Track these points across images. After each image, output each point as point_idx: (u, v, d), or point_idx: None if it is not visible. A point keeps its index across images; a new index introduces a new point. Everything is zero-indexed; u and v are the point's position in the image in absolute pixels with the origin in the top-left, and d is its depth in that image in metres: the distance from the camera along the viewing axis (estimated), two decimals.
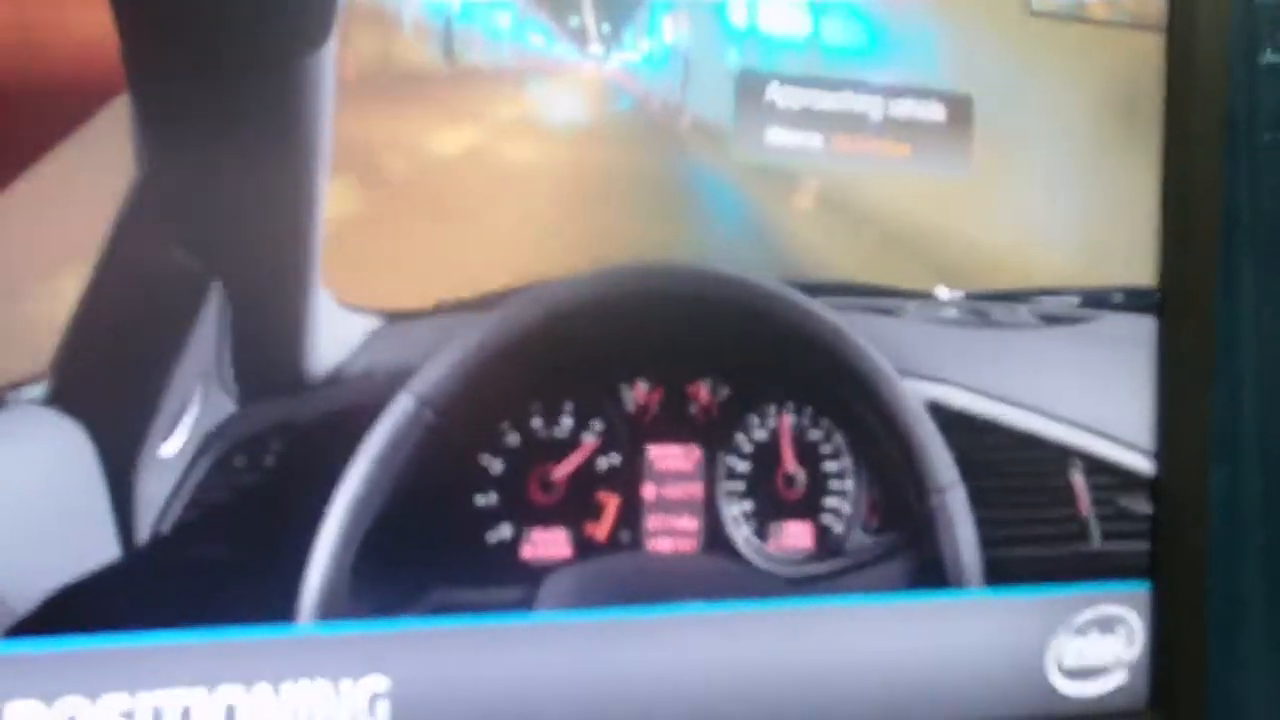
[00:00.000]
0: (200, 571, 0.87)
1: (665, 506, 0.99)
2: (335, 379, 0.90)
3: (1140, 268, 1.14)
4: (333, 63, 0.88)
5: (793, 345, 1.02)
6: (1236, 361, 1.35)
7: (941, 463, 1.04)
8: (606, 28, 0.96)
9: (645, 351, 0.99)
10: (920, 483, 1.04)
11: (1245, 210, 1.35)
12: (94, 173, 0.83)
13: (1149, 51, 1.14)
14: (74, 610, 0.83)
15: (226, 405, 0.87)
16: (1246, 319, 1.37)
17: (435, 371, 0.92)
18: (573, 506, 0.97)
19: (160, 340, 0.85)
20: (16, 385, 0.81)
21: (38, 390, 0.82)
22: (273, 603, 0.89)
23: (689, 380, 1.00)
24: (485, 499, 0.95)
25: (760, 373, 1.02)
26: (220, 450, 0.87)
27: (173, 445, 0.86)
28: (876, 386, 1.03)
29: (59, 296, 0.82)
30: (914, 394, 1.04)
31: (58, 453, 0.82)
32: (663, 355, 0.99)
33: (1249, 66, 1.36)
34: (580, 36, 0.95)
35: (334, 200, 0.89)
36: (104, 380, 0.84)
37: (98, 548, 0.84)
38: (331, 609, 0.89)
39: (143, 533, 0.85)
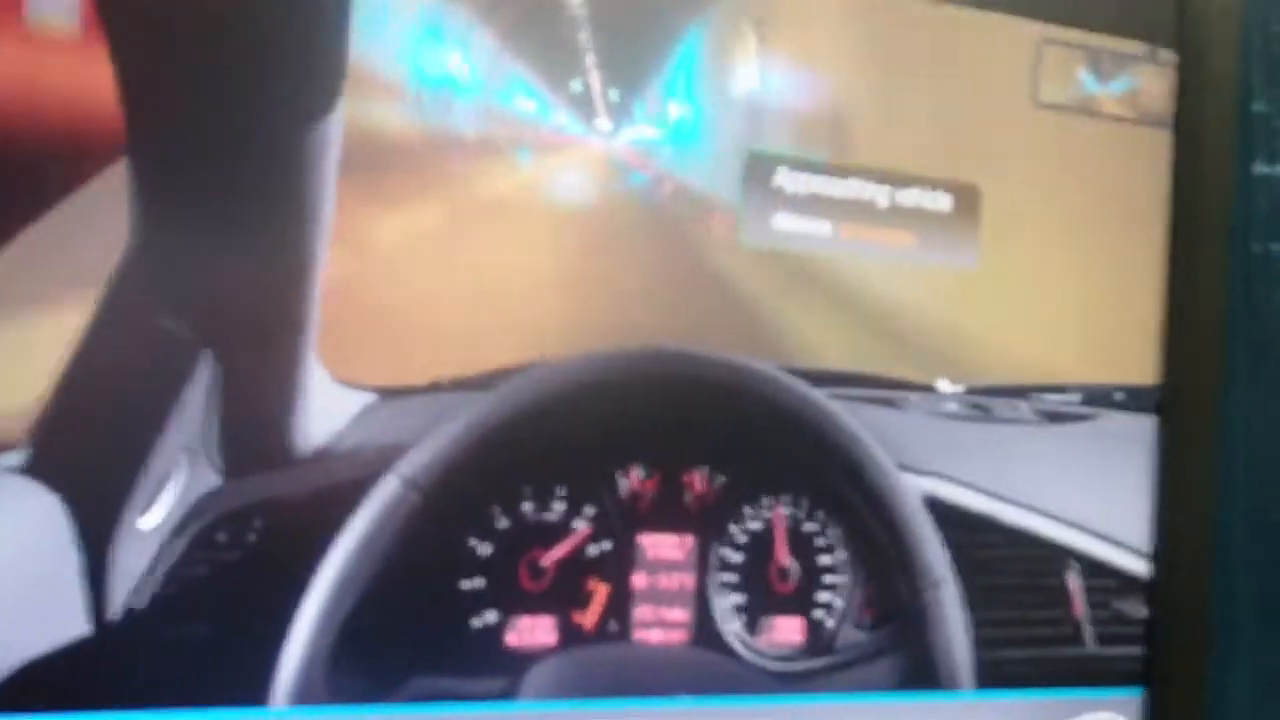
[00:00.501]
0: (175, 650, 0.84)
1: (656, 596, 0.97)
2: (325, 455, 0.87)
3: (1143, 366, 1.13)
4: (337, 134, 0.87)
5: (790, 434, 1.00)
6: (1229, 471, 1.34)
7: (935, 557, 1.02)
8: (615, 99, 0.94)
9: (641, 437, 0.97)
10: (913, 578, 1.02)
11: (1237, 319, 1.34)
12: (88, 237, 0.81)
13: (1156, 148, 1.13)
14: (42, 687, 0.80)
15: (211, 479, 0.84)
16: (1237, 428, 1.36)
17: (422, 455, 0.90)
18: (561, 593, 0.95)
19: (146, 410, 0.83)
20: None
21: (14, 458, 0.79)
22: (249, 684, 0.86)
23: (685, 468, 0.98)
24: (471, 583, 0.92)
25: (757, 462, 1.00)
26: (202, 525, 0.84)
27: (153, 518, 0.83)
28: (873, 479, 1.02)
29: (42, 362, 0.79)
30: (911, 488, 1.02)
31: (32, 523, 0.80)
32: (659, 441, 0.97)
33: (1243, 175, 1.35)
34: (587, 110, 0.94)
35: (330, 275, 0.87)
36: (84, 449, 0.81)
37: (69, 623, 0.81)
38: (309, 693, 0.86)
39: (117, 608, 0.82)
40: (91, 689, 0.82)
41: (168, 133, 0.82)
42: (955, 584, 1.04)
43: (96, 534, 0.81)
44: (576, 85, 0.94)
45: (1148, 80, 1.13)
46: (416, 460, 0.89)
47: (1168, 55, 1.13)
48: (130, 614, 0.83)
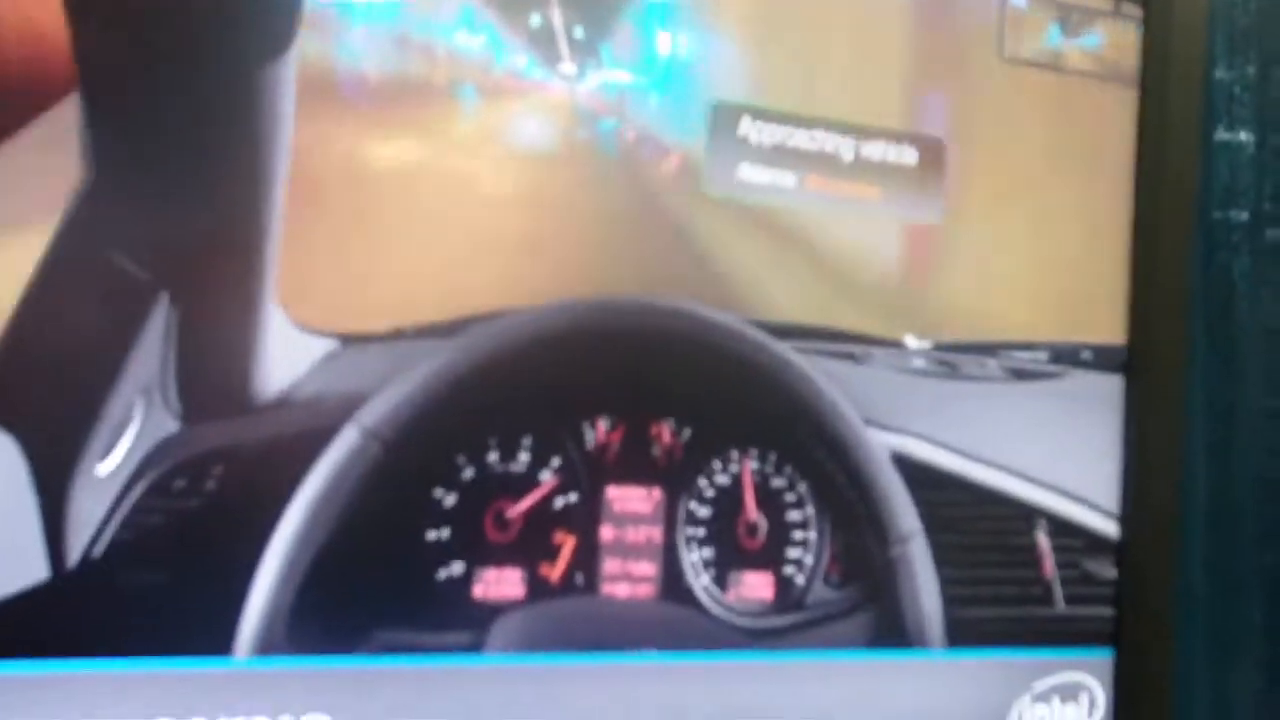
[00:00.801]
0: (134, 598, 0.82)
1: (623, 550, 0.96)
2: (284, 402, 0.86)
3: (1110, 324, 1.12)
4: (293, 72, 0.85)
5: (757, 388, 0.99)
6: (1192, 434, 1.34)
7: (904, 511, 1.01)
8: (580, 40, 0.93)
9: (608, 389, 0.96)
10: (882, 531, 1.01)
11: (1196, 285, 1.35)
12: (39, 175, 0.79)
13: (1122, 106, 1.13)
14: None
15: (169, 424, 0.83)
16: (1197, 393, 1.36)
17: (383, 405, 0.88)
18: (527, 546, 0.94)
19: (101, 352, 0.81)
20: None
21: None
22: (210, 634, 0.84)
23: (652, 420, 0.97)
24: (437, 534, 0.91)
25: (724, 415, 0.99)
26: (160, 471, 0.83)
27: (110, 463, 0.81)
28: (839, 434, 1.00)
29: None
30: (878, 443, 1.01)
31: None
32: (625, 393, 0.96)
33: (1204, 141, 1.35)
34: (551, 53, 0.93)
35: (289, 217, 0.85)
36: (39, 392, 0.79)
37: (26, 569, 0.79)
38: (272, 643, 0.85)
39: (75, 555, 0.81)
40: (50, 636, 0.81)
41: (120, 70, 0.81)
42: (924, 541, 1.02)
43: (53, 479, 0.80)
44: (539, 26, 0.93)
45: (1114, 36, 1.12)
46: (377, 410, 0.88)
47: (1133, 9, 1.12)
48: (88, 561, 0.81)
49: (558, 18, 0.93)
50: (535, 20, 0.92)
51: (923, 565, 1.02)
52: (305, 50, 0.86)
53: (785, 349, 0.99)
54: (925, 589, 1.02)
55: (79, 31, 0.79)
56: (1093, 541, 1.11)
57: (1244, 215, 1.41)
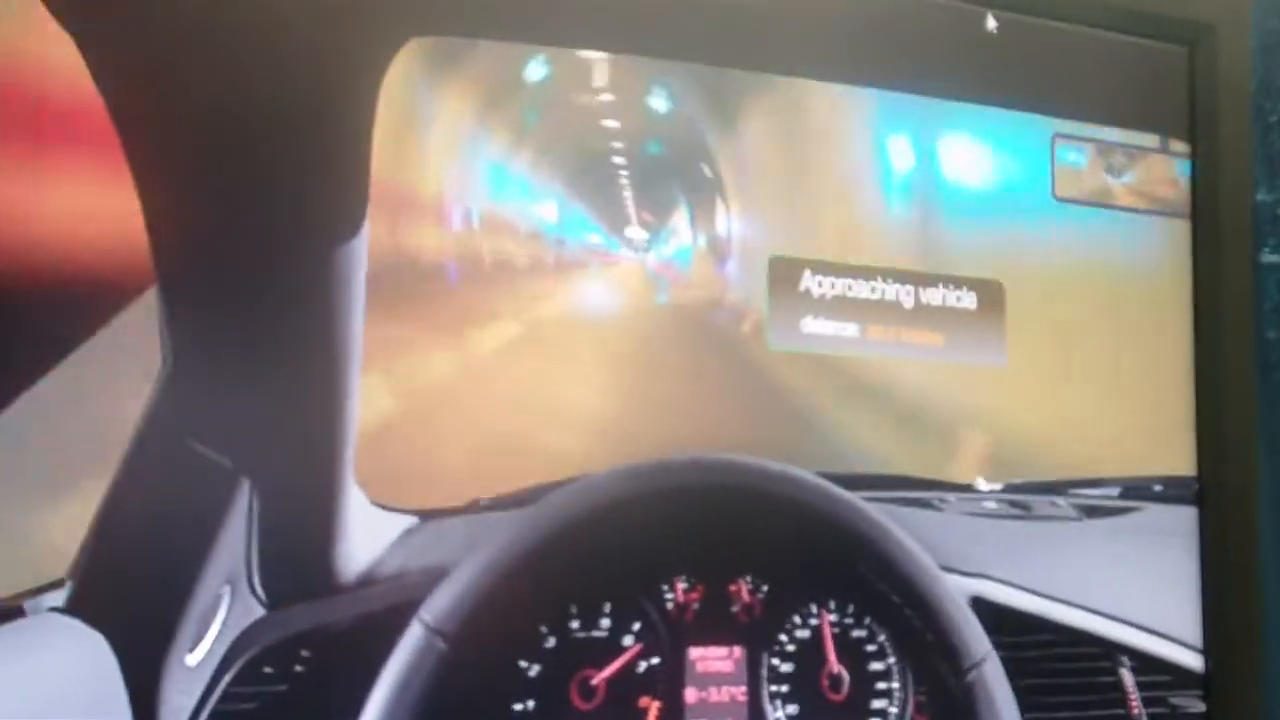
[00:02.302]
0: None
1: (708, 711, 0.95)
2: (368, 580, 0.86)
3: (1179, 456, 1.12)
4: (364, 256, 0.87)
5: (831, 539, 0.98)
6: (1269, 559, 1.33)
7: (974, 637, 1.00)
8: (647, 216, 0.95)
9: (683, 548, 0.96)
10: (956, 660, 0.99)
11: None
12: (120, 369, 0.80)
13: (1173, 238, 1.14)
14: None
15: (255, 609, 0.83)
16: (1267, 517, 1.35)
17: (443, 599, 0.88)
18: (613, 712, 0.93)
19: (187, 542, 0.81)
20: (37, 593, 0.77)
21: (58, 597, 0.77)
22: None
23: (729, 578, 0.97)
24: (523, 705, 0.90)
25: (801, 569, 0.99)
26: (248, 658, 0.83)
27: (198, 653, 0.81)
28: (917, 582, 1.00)
29: (82, 498, 0.78)
30: (956, 589, 1.01)
31: (79, 663, 0.78)
32: (702, 552, 0.96)
33: (1252, 263, 1.36)
34: (620, 226, 0.94)
35: (366, 397, 0.86)
36: (127, 586, 0.80)
37: None
38: None
39: None
40: None
41: (195, 260, 0.83)
42: (998, 662, 1.01)
43: (143, 672, 0.80)
44: (608, 200, 0.94)
45: (1159, 171, 1.13)
46: (438, 605, 0.87)
47: (1179, 146, 1.13)
48: None
49: (627, 192, 0.94)
50: (605, 194, 0.94)
51: (998, 684, 1.00)
52: (375, 230, 0.87)
53: (856, 499, 0.98)
54: (1005, 708, 1.00)
55: (156, 226, 0.80)
56: (1178, 675, 1.09)
57: None
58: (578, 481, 0.92)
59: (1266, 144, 1.39)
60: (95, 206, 0.80)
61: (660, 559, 0.95)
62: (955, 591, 1.00)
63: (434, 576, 0.87)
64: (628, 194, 0.95)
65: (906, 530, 0.99)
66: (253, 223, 0.84)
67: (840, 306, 1.01)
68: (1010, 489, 1.05)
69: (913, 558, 0.99)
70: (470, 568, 0.88)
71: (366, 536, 0.86)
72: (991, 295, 1.06)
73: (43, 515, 0.77)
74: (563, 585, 0.92)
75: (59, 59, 0.79)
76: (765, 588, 0.98)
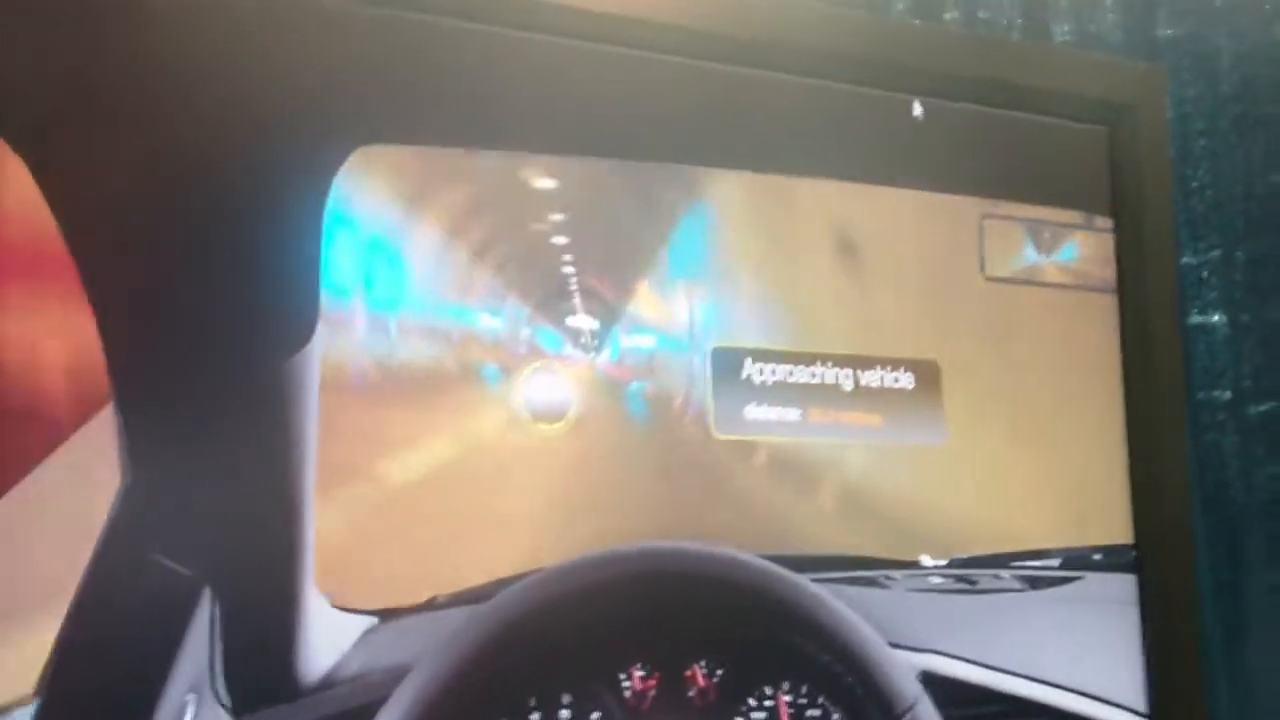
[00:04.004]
0: None
1: None
2: (330, 682, 0.87)
3: (1117, 525, 1.14)
4: (316, 365, 0.88)
5: (781, 621, 1.00)
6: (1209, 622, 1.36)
7: (905, 683, 1.02)
8: (591, 314, 0.97)
9: (639, 636, 0.97)
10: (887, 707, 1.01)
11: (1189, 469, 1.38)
12: (79, 487, 0.81)
13: (1103, 311, 1.17)
14: None
15: (221, 716, 0.84)
16: (1204, 574, 1.38)
17: (402, 701, 0.89)
18: None
19: (152, 652, 0.82)
20: (5, 710, 0.78)
21: (27, 714, 0.78)
22: None
23: (684, 663, 0.98)
24: None
25: (753, 651, 1.00)
26: None
27: None
28: (867, 661, 1.01)
29: (47, 614, 0.79)
30: (906, 665, 1.03)
31: None
32: (656, 639, 0.98)
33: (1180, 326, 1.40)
34: (563, 325, 0.96)
35: (321, 502, 0.87)
36: (95, 698, 0.80)
37: None
38: None
39: None
40: None
41: (150, 376, 0.83)
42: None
43: None
44: (553, 304, 0.96)
45: (1087, 247, 1.17)
46: (397, 707, 0.88)
47: (1104, 222, 1.17)
48: None
49: (571, 291, 0.97)
50: (547, 294, 0.96)
51: None
52: (327, 341, 0.88)
53: (804, 580, 1.00)
54: None
55: (111, 343, 0.81)
56: None
57: (1226, 394, 1.45)
58: (532, 575, 0.93)
59: (1189, 209, 1.44)
60: (49, 326, 0.81)
61: (616, 648, 0.97)
62: (904, 666, 1.02)
63: (395, 675, 0.89)
64: (572, 293, 0.97)
65: (854, 608, 1.01)
66: (206, 337, 0.85)
67: (782, 392, 1.03)
68: (955, 564, 1.08)
69: (861, 636, 1.01)
70: (428, 667, 0.89)
71: (328, 639, 0.87)
72: (928, 375, 1.09)
73: (9, 632, 0.78)
74: (521, 678, 0.93)
75: (12, 181, 0.80)
76: (720, 671, 0.99)
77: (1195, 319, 1.48)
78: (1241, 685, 1.37)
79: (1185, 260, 1.48)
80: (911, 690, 1.02)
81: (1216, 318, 1.48)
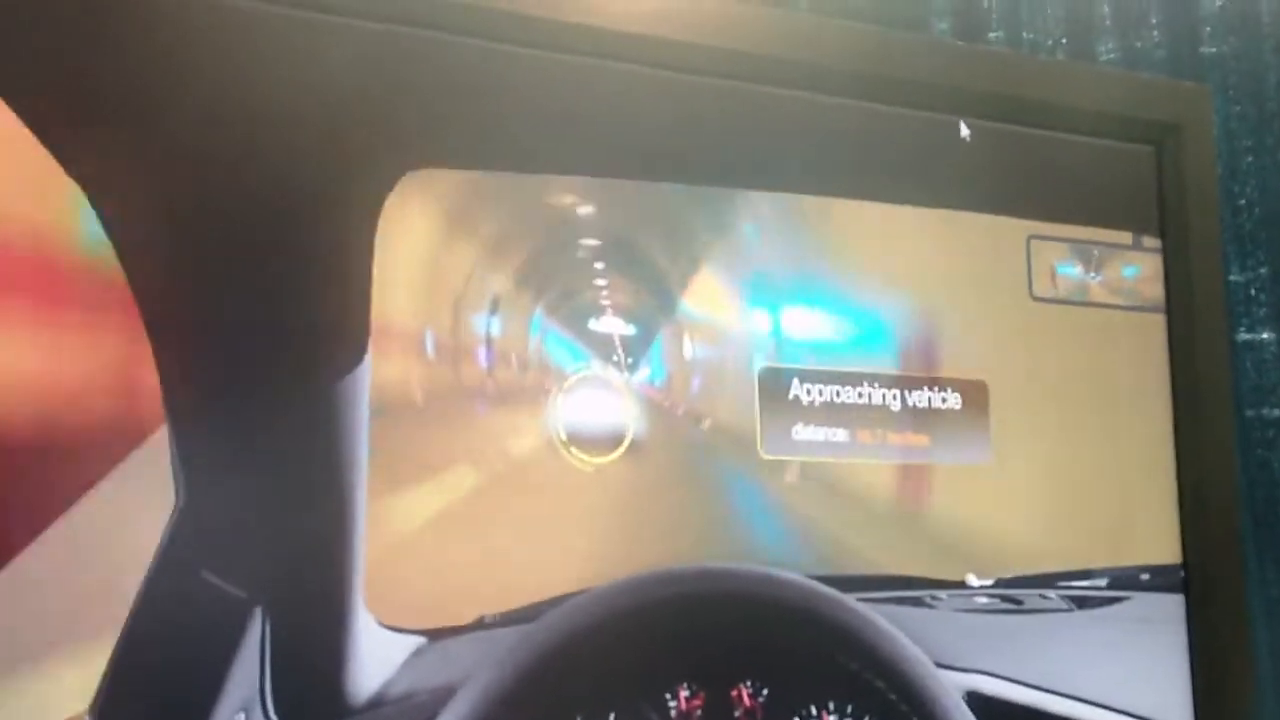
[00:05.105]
0: None
1: None
2: (378, 702, 0.88)
3: (1165, 545, 1.14)
4: (367, 385, 0.89)
5: (828, 642, 1.00)
6: (1258, 643, 1.35)
7: (951, 704, 1.02)
8: (641, 345, 0.98)
9: (685, 656, 0.98)
10: None
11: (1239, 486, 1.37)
12: (133, 509, 0.82)
13: (1150, 330, 1.17)
14: None
15: None
16: (1254, 593, 1.38)
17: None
18: None
19: (203, 672, 0.83)
20: None
21: None
22: None
23: (730, 683, 0.99)
24: None
25: (800, 672, 1.00)
26: None
27: None
28: (913, 681, 1.02)
29: (102, 636, 0.80)
30: (952, 686, 1.03)
31: None
32: (702, 659, 0.98)
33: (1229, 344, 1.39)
34: (609, 350, 0.97)
35: (374, 522, 0.88)
36: (146, 716, 0.81)
37: None
38: None
39: None
40: None
41: (203, 398, 0.84)
42: None
43: None
44: (595, 328, 0.97)
45: (1135, 267, 1.17)
46: None
47: (1151, 241, 1.17)
48: None
49: (613, 314, 0.97)
50: (597, 322, 0.97)
51: None
52: (376, 362, 0.89)
53: (852, 600, 1.00)
54: None
55: (165, 366, 0.82)
56: None
57: (1275, 412, 1.44)
58: (579, 595, 0.94)
59: (1236, 225, 1.43)
60: (105, 350, 0.82)
61: (662, 667, 0.97)
62: (950, 687, 1.02)
63: (442, 696, 0.89)
64: (618, 316, 0.97)
65: (900, 628, 1.01)
66: (259, 359, 0.86)
67: (829, 413, 1.04)
68: (1001, 584, 1.08)
69: (908, 656, 1.01)
70: (475, 687, 0.90)
71: (377, 659, 0.88)
72: (975, 395, 1.09)
73: (64, 653, 0.79)
74: (567, 697, 0.94)
75: (68, 206, 0.81)
76: (766, 691, 1.00)
77: (1244, 336, 1.48)
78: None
79: (1233, 278, 1.48)
80: (957, 710, 1.02)
81: (1265, 335, 1.47)
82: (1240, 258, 1.49)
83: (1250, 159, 1.49)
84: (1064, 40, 1.47)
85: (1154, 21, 1.49)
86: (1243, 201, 1.49)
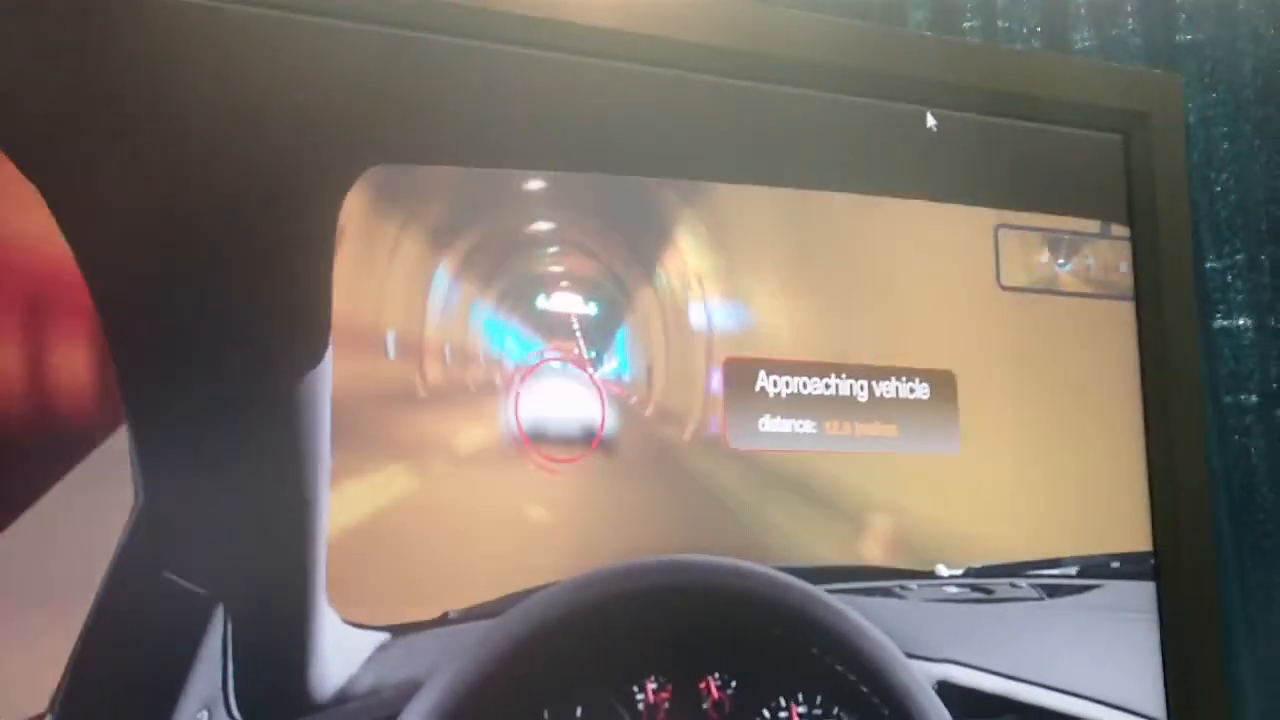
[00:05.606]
0: None
1: None
2: (342, 698, 0.88)
3: (1135, 533, 1.14)
4: (328, 382, 0.89)
5: (796, 633, 1.00)
6: (1232, 629, 1.36)
7: (921, 693, 1.02)
8: (607, 337, 0.98)
9: (651, 648, 0.98)
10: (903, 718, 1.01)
11: (1215, 473, 1.37)
12: (93, 508, 0.82)
13: (1120, 319, 1.16)
14: None
15: None
16: (1229, 577, 1.38)
17: (415, 715, 0.90)
18: None
19: (165, 670, 0.83)
20: None
21: None
22: None
23: (698, 675, 0.99)
24: None
25: (768, 663, 1.00)
26: None
27: None
28: (883, 671, 1.02)
29: (61, 633, 0.80)
30: (922, 675, 1.03)
31: None
32: (669, 651, 0.98)
33: (1204, 331, 1.39)
34: (571, 342, 0.97)
35: (335, 519, 0.88)
36: (107, 716, 0.81)
37: None
38: None
39: None
40: None
41: (162, 397, 0.84)
42: None
43: None
44: (561, 320, 0.97)
45: (1104, 255, 1.16)
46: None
47: (1120, 230, 1.17)
48: None
49: (577, 306, 0.97)
50: (562, 315, 0.97)
51: None
52: (338, 359, 0.89)
53: (820, 591, 1.00)
54: None
55: (123, 365, 0.83)
56: None
57: (1253, 398, 1.44)
58: (545, 590, 0.94)
59: (1213, 213, 1.43)
60: (62, 349, 0.82)
61: (630, 660, 0.97)
62: (920, 677, 1.02)
63: (407, 691, 0.89)
64: (583, 308, 0.97)
65: (870, 619, 1.01)
66: (219, 357, 0.86)
67: (796, 404, 1.04)
68: (971, 573, 1.08)
69: (877, 646, 1.01)
70: (441, 681, 0.90)
71: (340, 655, 0.88)
72: (944, 385, 1.09)
73: (24, 651, 0.79)
74: (535, 690, 0.94)
75: (22, 203, 0.81)
76: (734, 683, 1.00)
77: (1220, 323, 1.47)
78: (1272, 692, 1.36)
79: (1210, 264, 1.48)
80: (927, 701, 1.02)
81: (1242, 321, 1.47)
82: (1217, 245, 1.49)
83: (1226, 146, 1.49)
84: (1039, 29, 1.47)
85: (1129, 10, 1.49)
86: (1219, 189, 1.49)
